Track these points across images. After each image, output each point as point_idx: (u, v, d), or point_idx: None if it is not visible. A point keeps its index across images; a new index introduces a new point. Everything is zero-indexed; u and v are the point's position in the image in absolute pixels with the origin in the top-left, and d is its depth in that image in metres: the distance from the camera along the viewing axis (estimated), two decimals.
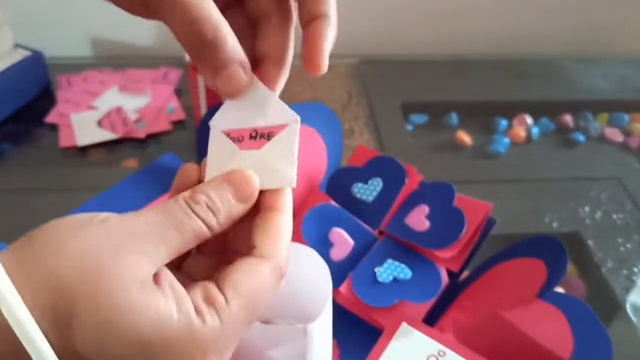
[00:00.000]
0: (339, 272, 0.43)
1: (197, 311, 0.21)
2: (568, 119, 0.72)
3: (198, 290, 0.22)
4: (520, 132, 0.69)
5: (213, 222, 0.23)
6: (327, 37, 0.26)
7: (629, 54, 0.87)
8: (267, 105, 0.26)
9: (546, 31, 0.87)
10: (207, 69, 0.25)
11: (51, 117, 0.66)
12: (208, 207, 0.23)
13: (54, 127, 0.65)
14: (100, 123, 0.65)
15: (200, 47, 0.24)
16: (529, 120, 0.71)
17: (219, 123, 0.27)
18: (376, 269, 0.43)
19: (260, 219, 0.25)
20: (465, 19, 0.85)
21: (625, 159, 0.68)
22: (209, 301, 0.22)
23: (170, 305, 0.21)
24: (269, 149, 0.26)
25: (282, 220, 0.24)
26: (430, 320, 0.41)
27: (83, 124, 0.65)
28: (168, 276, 0.22)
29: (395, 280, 0.42)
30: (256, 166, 0.25)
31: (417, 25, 0.85)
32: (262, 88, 0.26)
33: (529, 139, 0.70)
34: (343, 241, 0.45)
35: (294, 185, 0.25)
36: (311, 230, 0.45)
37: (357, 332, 0.42)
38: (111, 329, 0.20)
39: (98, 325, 0.20)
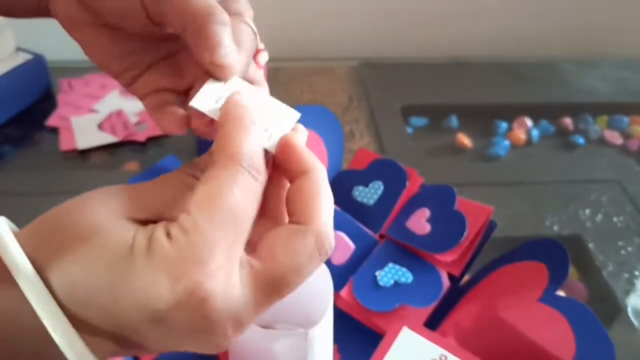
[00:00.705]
0: (339, 276, 0.43)
1: (166, 233, 0.22)
2: (568, 121, 0.72)
3: None
4: (520, 135, 0.69)
5: (197, 172, 0.24)
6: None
7: (628, 55, 0.87)
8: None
9: (546, 33, 0.87)
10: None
11: (52, 120, 0.66)
12: (192, 164, 0.25)
13: (54, 130, 0.65)
14: (101, 126, 0.65)
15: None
16: (528, 122, 0.71)
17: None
18: (377, 273, 0.43)
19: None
20: (464, 21, 0.85)
21: (625, 161, 0.68)
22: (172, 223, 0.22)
23: (143, 233, 0.22)
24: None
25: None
26: (432, 324, 0.41)
27: (84, 127, 0.65)
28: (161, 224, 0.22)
29: (396, 284, 0.42)
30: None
31: (417, 27, 0.85)
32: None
33: (529, 141, 0.70)
34: (344, 245, 0.45)
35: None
36: None
37: (357, 337, 0.42)
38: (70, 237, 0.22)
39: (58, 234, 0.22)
